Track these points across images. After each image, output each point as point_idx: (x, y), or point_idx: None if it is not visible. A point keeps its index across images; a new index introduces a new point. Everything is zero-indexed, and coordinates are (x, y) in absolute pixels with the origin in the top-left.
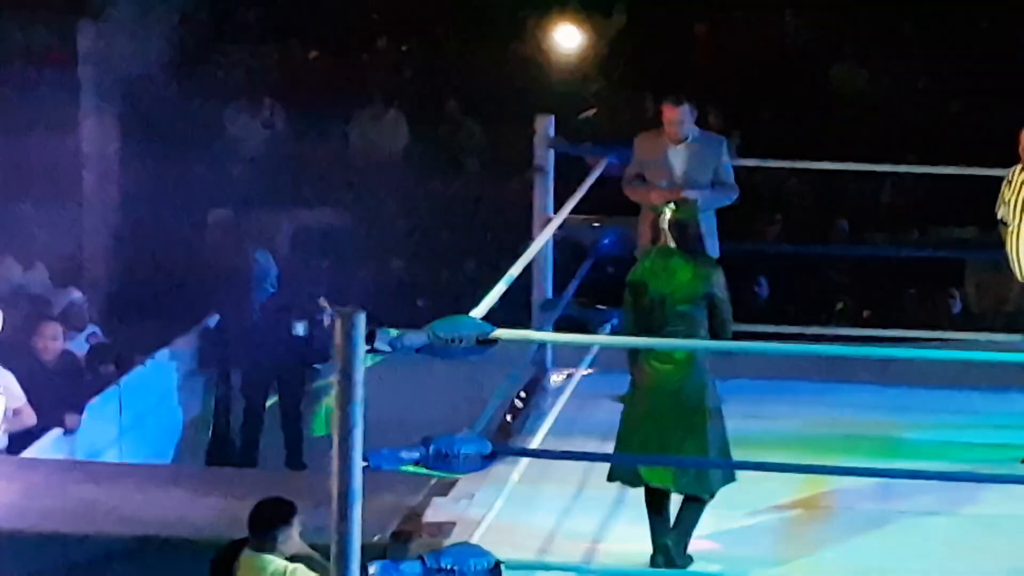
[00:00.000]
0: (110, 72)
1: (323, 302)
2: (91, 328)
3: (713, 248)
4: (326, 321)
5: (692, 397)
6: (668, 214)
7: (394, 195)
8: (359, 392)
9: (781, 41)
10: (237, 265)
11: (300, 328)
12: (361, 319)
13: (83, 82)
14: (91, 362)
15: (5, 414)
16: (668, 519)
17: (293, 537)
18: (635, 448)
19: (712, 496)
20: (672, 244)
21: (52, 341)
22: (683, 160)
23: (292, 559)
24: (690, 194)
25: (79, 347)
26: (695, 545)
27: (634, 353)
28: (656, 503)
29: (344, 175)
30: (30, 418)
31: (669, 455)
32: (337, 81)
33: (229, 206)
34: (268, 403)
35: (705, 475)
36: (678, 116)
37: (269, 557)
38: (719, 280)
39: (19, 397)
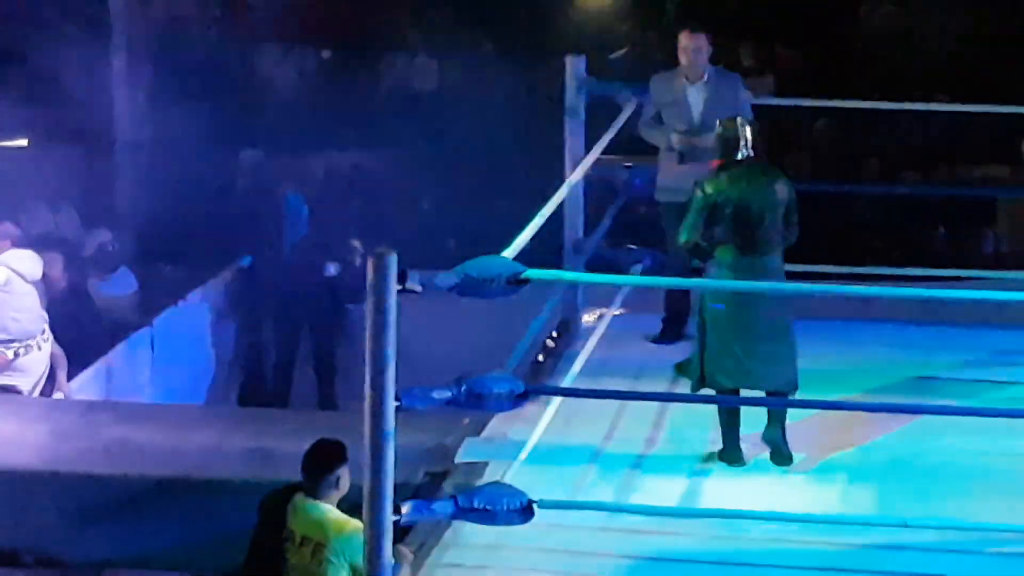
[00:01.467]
0: (141, 15)
1: (355, 243)
2: (122, 270)
3: None
4: (357, 261)
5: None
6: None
7: (425, 136)
8: (392, 332)
9: None
10: (269, 207)
11: (332, 269)
12: (393, 259)
13: (114, 24)
14: (123, 303)
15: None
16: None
17: (345, 478)
18: (730, 355)
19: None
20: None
21: (53, 270)
22: (701, 100)
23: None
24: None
25: (111, 289)
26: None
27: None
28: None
29: (375, 116)
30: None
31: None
32: (367, 22)
33: (260, 148)
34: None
35: (794, 372)
36: (695, 43)
37: (326, 507)
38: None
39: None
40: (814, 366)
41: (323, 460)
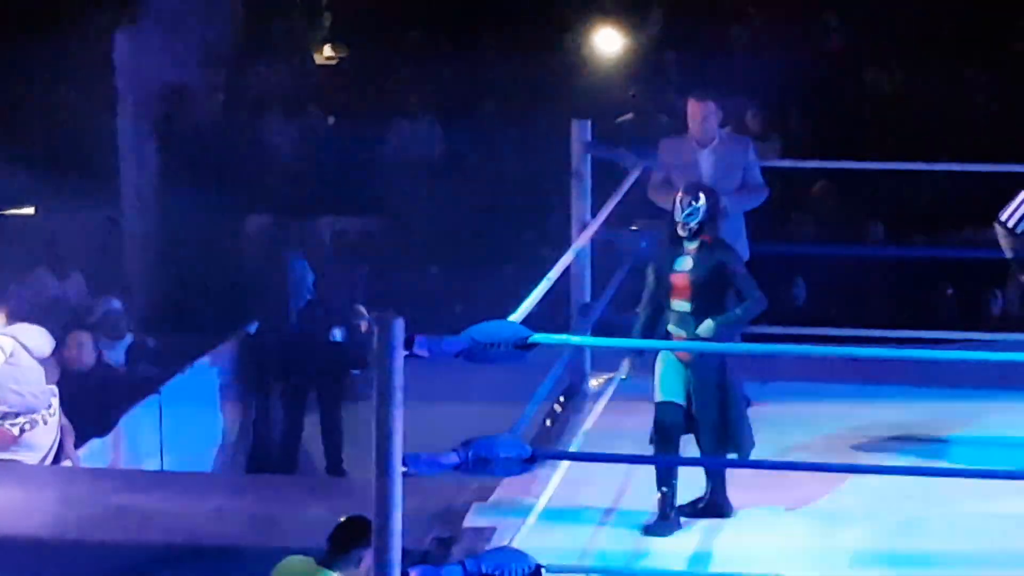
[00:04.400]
0: (147, 80)
1: (360, 308)
2: (130, 337)
3: (743, 249)
4: (363, 327)
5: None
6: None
7: (430, 200)
8: (398, 397)
9: (817, 44)
10: (274, 272)
11: (338, 334)
12: (399, 324)
13: (120, 90)
14: (130, 370)
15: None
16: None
17: (368, 560)
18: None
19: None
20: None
21: (81, 351)
22: (711, 163)
23: None
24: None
25: (118, 356)
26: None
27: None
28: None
29: (380, 181)
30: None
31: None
32: (372, 87)
33: (266, 214)
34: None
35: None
36: (704, 111)
37: None
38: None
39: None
40: (820, 431)
41: (352, 536)
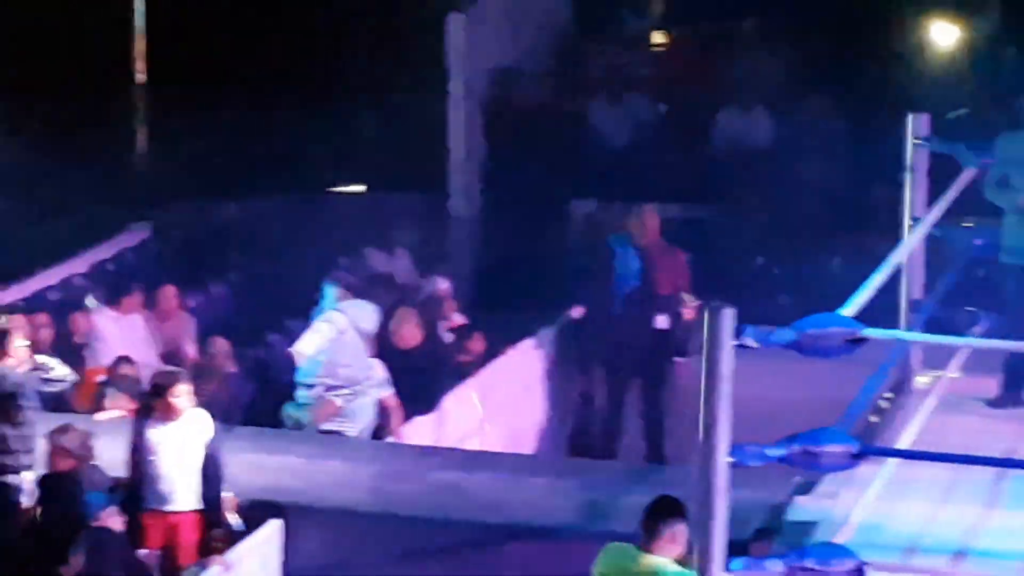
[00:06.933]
0: (478, 63)
1: (685, 296)
2: (455, 317)
3: None
4: (687, 314)
5: None
6: None
7: (758, 191)
8: (725, 388)
9: None
10: (600, 258)
11: (662, 321)
12: (729, 314)
13: (450, 74)
14: (454, 350)
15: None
16: None
17: (682, 535)
18: None
19: None
20: None
21: (407, 328)
22: None
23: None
24: None
25: (443, 335)
26: None
27: None
28: None
29: (709, 169)
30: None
31: None
32: (703, 74)
33: (593, 199)
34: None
35: None
36: None
37: (662, 560)
38: None
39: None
40: None
41: (661, 515)
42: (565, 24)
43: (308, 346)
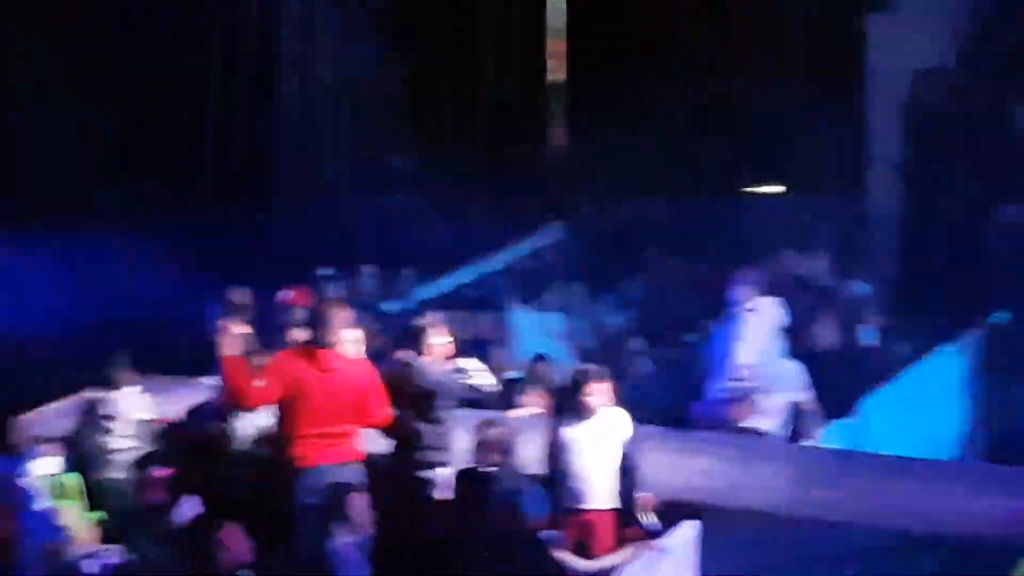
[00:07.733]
0: (899, 63)
1: None
2: (876, 320)
3: None
4: None
5: None
6: None
7: None
8: None
9: None
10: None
11: None
12: None
13: (870, 72)
14: (874, 353)
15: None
16: None
17: None
18: None
19: None
20: None
21: (827, 332)
22: None
23: None
24: None
25: (863, 339)
26: None
27: None
28: None
29: None
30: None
31: None
32: None
33: (1017, 203)
34: None
35: None
36: None
37: None
38: None
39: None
40: None
41: None
42: (988, 23)
43: (742, 348)
